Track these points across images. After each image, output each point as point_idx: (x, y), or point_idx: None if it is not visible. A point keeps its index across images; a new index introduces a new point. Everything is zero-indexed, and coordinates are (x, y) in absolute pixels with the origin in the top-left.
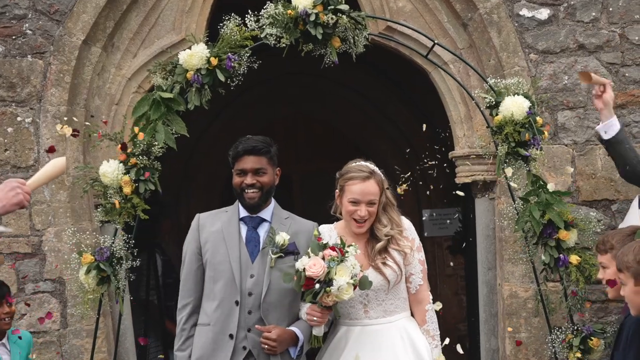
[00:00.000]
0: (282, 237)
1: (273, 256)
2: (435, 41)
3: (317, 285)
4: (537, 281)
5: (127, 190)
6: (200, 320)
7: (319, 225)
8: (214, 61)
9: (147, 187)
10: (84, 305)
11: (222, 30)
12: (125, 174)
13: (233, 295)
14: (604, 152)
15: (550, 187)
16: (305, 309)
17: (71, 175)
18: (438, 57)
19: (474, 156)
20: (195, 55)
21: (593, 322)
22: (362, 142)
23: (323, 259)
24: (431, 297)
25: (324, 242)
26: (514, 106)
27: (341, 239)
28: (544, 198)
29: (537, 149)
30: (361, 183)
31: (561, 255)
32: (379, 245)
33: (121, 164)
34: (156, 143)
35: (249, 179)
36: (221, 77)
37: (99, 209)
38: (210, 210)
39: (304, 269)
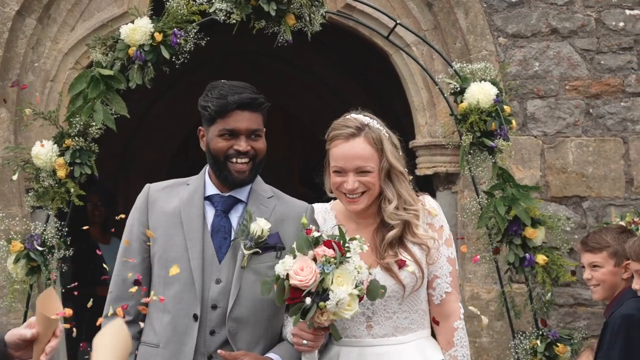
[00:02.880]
0: (259, 226)
1: (246, 252)
2: (397, 21)
3: (308, 300)
4: (501, 282)
5: (61, 173)
6: (145, 337)
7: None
8: (159, 37)
9: (82, 170)
10: (10, 296)
11: (167, 3)
12: (59, 156)
13: (190, 306)
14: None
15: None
16: (291, 327)
17: (0, 157)
18: (400, 39)
19: (436, 146)
20: (138, 30)
21: (560, 328)
22: (318, 128)
23: (314, 260)
24: (462, 310)
25: (316, 235)
26: (480, 93)
27: (339, 228)
28: (510, 193)
29: (503, 140)
30: (344, 143)
31: (527, 254)
32: (391, 234)
33: (55, 145)
34: (94, 123)
35: (242, 144)
36: (166, 54)
37: (30, 194)
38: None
39: (287, 276)
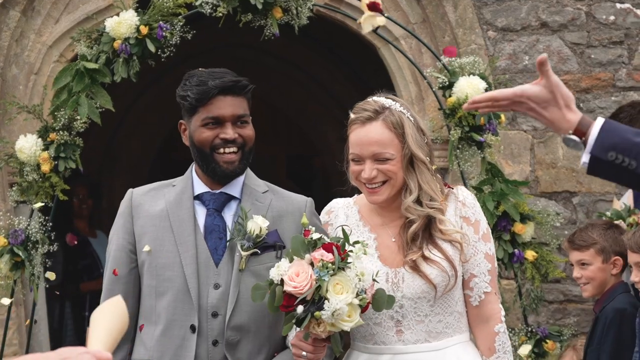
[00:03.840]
0: (256, 224)
1: (243, 253)
2: (385, 14)
3: (299, 308)
4: None
5: (45, 168)
6: (136, 354)
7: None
8: (144, 30)
9: (67, 165)
10: None
11: None
12: (44, 150)
13: (187, 316)
14: None
15: None
16: (292, 335)
17: None
18: (388, 32)
19: None
20: (123, 23)
21: (549, 324)
22: (304, 122)
23: (311, 265)
24: (503, 312)
25: (315, 236)
26: (469, 87)
27: (343, 230)
28: (499, 188)
29: (492, 135)
30: (360, 128)
31: (516, 250)
32: (412, 229)
33: (39, 139)
34: (78, 117)
35: (229, 132)
36: (151, 48)
37: (14, 188)
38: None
39: (282, 281)
